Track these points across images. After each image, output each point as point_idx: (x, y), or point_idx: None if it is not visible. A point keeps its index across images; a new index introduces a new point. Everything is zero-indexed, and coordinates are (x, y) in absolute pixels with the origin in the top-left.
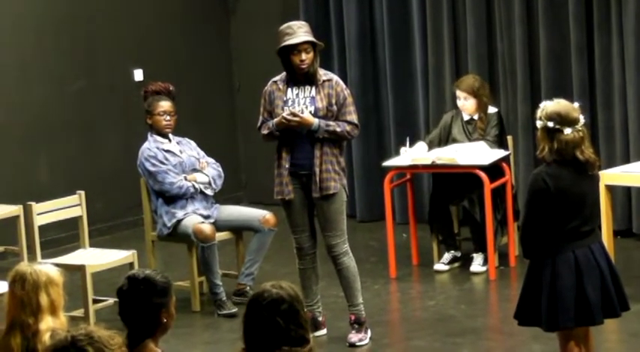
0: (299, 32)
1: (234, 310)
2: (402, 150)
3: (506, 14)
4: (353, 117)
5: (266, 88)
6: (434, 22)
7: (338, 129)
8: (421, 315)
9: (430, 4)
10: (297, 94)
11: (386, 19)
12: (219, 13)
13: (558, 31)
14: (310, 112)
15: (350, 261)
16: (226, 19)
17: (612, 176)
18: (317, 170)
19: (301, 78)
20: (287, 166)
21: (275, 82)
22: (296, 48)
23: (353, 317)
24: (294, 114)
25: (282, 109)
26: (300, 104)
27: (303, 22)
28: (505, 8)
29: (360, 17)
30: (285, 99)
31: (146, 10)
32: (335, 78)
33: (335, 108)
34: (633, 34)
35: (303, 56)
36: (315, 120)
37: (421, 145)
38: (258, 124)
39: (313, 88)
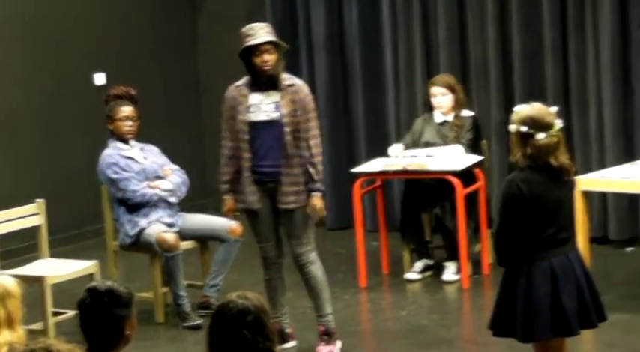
0: (261, 33)
1: (199, 321)
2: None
3: (479, 16)
4: (317, 131)
5: (228, 92)
6: (405, 24)
7: (320, 166)
8: (393, 326)
9: (401, 5)
10: (262, 100)
11: (355, 21)
12: (184, 15)
13: (532, 33)
14: (274, 119)
15: (317, 271)
16: (192, 21)
17: (588, 181)
18: (285, 180)
19: (264, 82)
20: (248, 175)
21: (237, 86)
22: (258, 49)
23: (322, 329)
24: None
25: (246, 116)
26: (264, 110)
27: (265, 24)
28: (478, 10)
29: (328, 19)
30: (248, 104)
31: (109, 12)
32: (299, 82)
33: (299, 114)
34: (608, 36)
35: (266, 57)
36: (318, 192)
37: (399, 146)
38: (223, 142)
39: (277, 93)
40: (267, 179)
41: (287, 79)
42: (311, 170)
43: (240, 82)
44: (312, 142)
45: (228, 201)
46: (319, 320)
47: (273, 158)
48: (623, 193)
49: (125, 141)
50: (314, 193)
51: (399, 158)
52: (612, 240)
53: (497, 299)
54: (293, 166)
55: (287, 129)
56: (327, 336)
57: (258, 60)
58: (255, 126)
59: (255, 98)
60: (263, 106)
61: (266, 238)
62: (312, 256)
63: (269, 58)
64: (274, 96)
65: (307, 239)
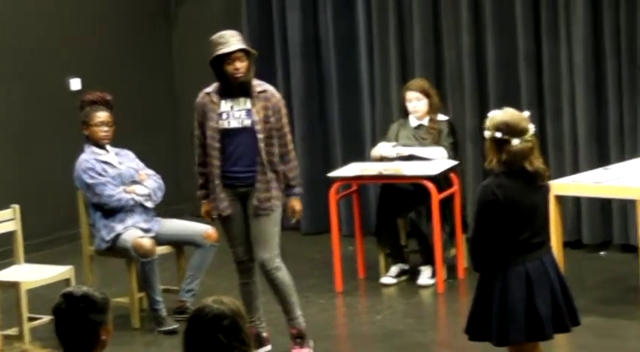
0: (232, 41)
1: (175, 326)
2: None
3: (453, 23)
4: (290, 136)
5: (198, 99)
6: (380, 30)
7: (297, 171)
8: (368, 330)
9: (376, 12)
10: (232, 107)
11: (331, 28)
12: (160, 21)
13: (506, 39)
14: (247, 126)
15: (285, 276)
16: (167, 27)
17: (562, 186)
18: (260, 186)
19: (235, 89)
20: (218, 182)
21: (208, 93)
22: (230, 56)
23: (295, 331)
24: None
25: (217, 123)
26: (236, 117)
27: (235, 31)
28: (452, 16)
29: (304, 26)
30: (219, 112)
31: (84, 17)
32: (270, 89)
33: (272, 120)
34: (581, 42)
35: (238, 65)
36: (297, 195)
37: (384, 144)
38: (196, 143)
39: (248, 100)
40: (239, 184)
41: (258, 85)
42: (289, 174)
43: (210, 89)
44: (288, 147)
45: (205, 205)
46: (290, 323)
47: (245, 164)
48: (597, 198)
49: (101, 147)
50: (293, 196)
51: (391, 151)
52: (586, 244)
53: (473, 304)
54: (267, 172)
55: (260, 135)
56: (300, 338)
57: (230, 68)
58: (227, 133)
59: (226, 105)
60: (235, 113)
61: (239, 242)
62: (279, 261)
63: (241, 66)
64: (246, 103)
65: (275, 244)
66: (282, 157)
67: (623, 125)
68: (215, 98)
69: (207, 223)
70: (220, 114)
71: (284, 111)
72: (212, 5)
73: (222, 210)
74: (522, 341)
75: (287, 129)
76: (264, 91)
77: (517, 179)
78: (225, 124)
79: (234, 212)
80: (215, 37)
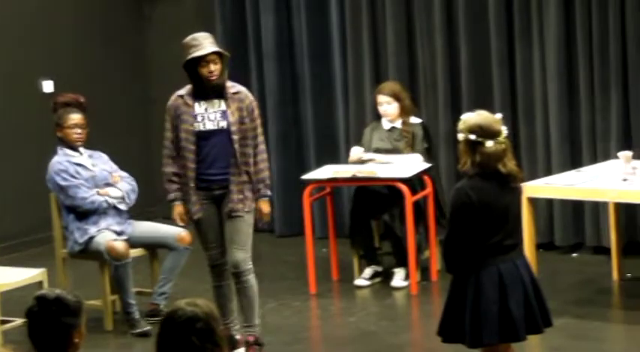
0: (205, 43)
1: (148, 328)
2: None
3: (426, 25)
4: (262, 139)
5: (170, 102)
6: (353, 32)
7: (268, 173)
8: (342, 332)
9: (349, 14)
10: (206, 109)
11: (304, 30)
12: (133, 22)
13: (479, 41)
14: (222, 127)
15: (254, 280)
16: (141, 29)
17: (534, 188)
18: (234, 188)
19: (209, 91)
20: (193, 185)
21: (181, 96)
22: (204, 59)
23: (252, 339)
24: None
25: (192, 125)
26: (211, 119)
27: (208, 34)
28: (425, 19)
29: (277, 27)
30: (194, 114)
31: (56, 19)
32: (243, 90)
33: (247, 121)
34: (554, 45)
35: (212, 67)
36: (267, 197)
37: (358, 149)
38: (165, 143)
39: (222, 102)
40: (215, 186)
41: (231, 86)
42: (260, 176)
43: (182, 91)
44: (260, 148)
45: (177, 207)
46: (249, 331)
47: (220, 166)
48: (569, 200)
49: (74, 149)
50: (263, 198)
51: (361, 156)
52: (558, 246)
53: (446, 306)
54: (241, 174)
55: (235, 137)
56: (259, 346)
57: (204, 70)
58: (203, 136)
59: (200, 107)
60: (210, 115)
61: (214, 246)
62: (251, 264)
63: (215, 68)
64: (220, 105)
65: (249, 246)
66: (254, 159)
67: (596, 128)
68: (189, 100)
69: (179, 226)
70: (195, 117)
71: (257, 112)
72: (185, 7)
73: (194, 213)
74: (495, 343)
75: (260, 130)
76: (237, 93)
77: (491, 181)
78: (200, 126)
79: (209, 215)
80: (188, 39)
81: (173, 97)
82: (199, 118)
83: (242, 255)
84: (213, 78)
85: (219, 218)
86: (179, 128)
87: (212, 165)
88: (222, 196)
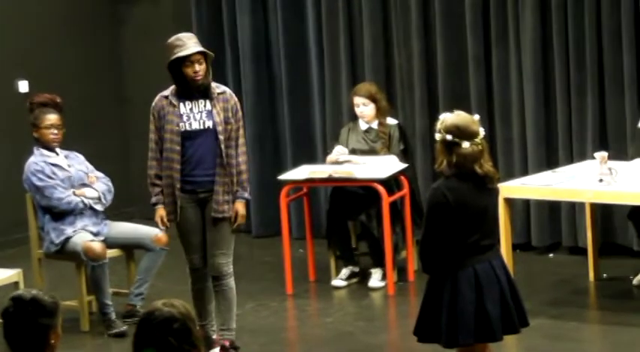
0: (189, 43)
1: (124, 329)
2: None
3: (403, 26)
4: (244, 140)
5: (154, 103)
6: (330, 33)
7: (247, 175)
8: (319, 333)
9: (326, 15)
10: (191, 109)
11: (281, 31)
12: (108, 23)
13: (456, 43)
14: (208, 127)
15: (233, 284)
16: (116, 29)
17: (511, 189)
18: (219, 189)
19: (194, 91)
20: (179, 186)
21: (165, 96)
22: (189, 59)
23: (228, 343)
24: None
25: (178, 125)
26: (197, 119)
27: (191, 34)
28: (402, 20)
29: (254, 28)
30: (179, 114)
31: (32, 19)
32: (228, 90)
33: (232, 121)
34: (530, 47)
35: (197, 67)
36: (244, 200)
37: (342, 148)
38: (150, 145)
39: (208, 102)
40: (200, 189)
41: (216, 87)
42: (241, 177)
43: (167, 92)
44: (241, 150)
45: (160, 210)
46: (226, 334)
47: (205, 167)
48: (546, 200)
49: (50, 149)
50: (240, 200)
51: (341, 156)
52: (535, 247)
53: (422, 306)
54: (227, 175)
55: (222, 137)
56: (234, 349)
57: (189, 70)
58: (189, 136)
59: (185, 108)
60: (195, 115)
61: (196, 249)
62: (232, 268)
63: (200, 68)
64: (205, 105)
65: (230, 250)
66: (236, 159)
67: (572, 128)
68: (174, 100)
69: (161, 229)
70: (180, 116)
71: (240, 113)
72: (161, 7)
73: (177, 216)
74: (472, 343)
75: (242, 131)
76: (222, 93)
77: (467, 182)
78: (186, 126)
79: (192, 219)
80: (172, 39)
81: (157, 98)
82: (185, 118)
83: (224, 259)
84: (199, 78)
85: (202, 221)
86: (164, 129)
87: (197, 166)
88: (206, 199)
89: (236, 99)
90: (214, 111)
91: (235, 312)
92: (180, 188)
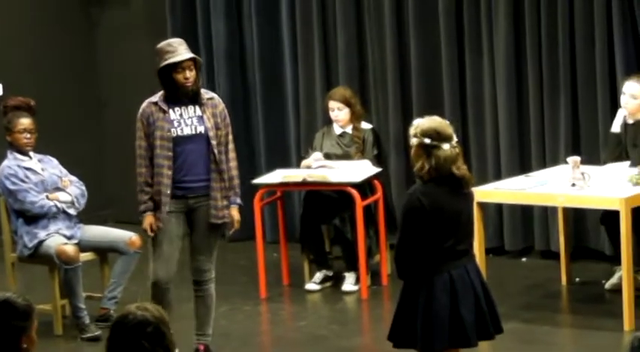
0: (180, 49)
1: (98, 333)
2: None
3: (377, 30)
4: (233, 146)
5: (142, 110)
6: (304, 39)
7: (238, 180)
8: (292, 336)
9: (300, 21)
10: (181, 114)
11: (255, 36)
12: (83, 26)
13: (429, 46)
14: (200, 132)
15: (214, 290)
16: (90, 32)
17: (484, 193)
18: (216, 194)
19: (183, 97)
20: (168, 192)
21: (154, 103)
22: (180, 65)
23: (203, 348)
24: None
25: (169, 131)
26: (188, 124)
27: (181, 39)
28: (376, 23)
29: (228, 33)
30: (170, 119)
31: (5, 22)
32: (216, 96)
33: (222, 127)
34: (503, 51)
35: (188, 73)
36: (237, 205)
37: (318, 154)
38: (137, 153)
39: (197, 107)
40: (191, 195)
41: (205, 93)
42: (233, 182)
43: (154, 98)
44: (232, 155)
45: (149, 217)
46: (202, 339)
47: (196, 173)
48: (518, 205)
49: (24, 153)
50: (234, 205)
51: (315, 163)
52: (508, 251)
53: (397, 311)
54: (222, 180)
55: (214, 142)
56: None
57: (180, 76)
58: (180, 141)
59: (175, 113)
60: (186, 120)
61: (165, 260)
62: (214, 274)
63: (191, 75)
64: (195, 111)
65: (214, 257)
66: (227, 165)
67: (544, 133)
68: (164, 106)
69: (140, 235)
70: (171, 122)
71: (228, 119)
72: (135, 12)
73: (165, 223)
74: (446, 348)
75: (231, 137)
76: (211, 98)
77: (444, 186)
78: (178, 131)
79: (172, 227)
80: (162, 45)
81: (145, 105)
82: (176, 124)
83: (208, 265)
84: (189, 84)
85: (182, 231)
86: (154, 135)
87: (189, 172)
88: (195, 205)
89: (224, 105)
90: (205, 117)
91: (213, 318)
92: (171, 194)
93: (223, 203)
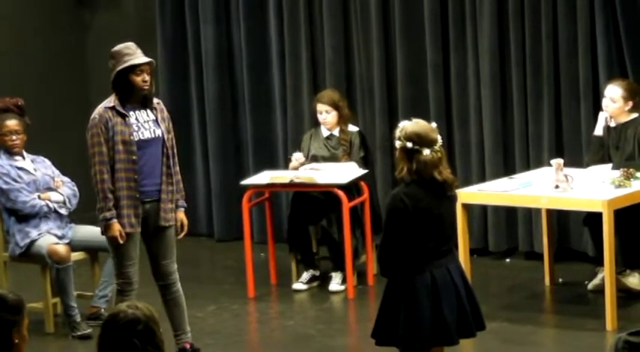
0: (138, 52)
1: (89, 331)
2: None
3: (363, 34)
4: (176, 151)
5: (98, 115)
6: (291, 42)
7: (182, 184)
8: (279, 335)
9: (288, 24)
10: (137, 118)
11: (243, 39)
12: (73, 28)
13: (415, 51)
14: (158, 136)
15: (181, 289)
16: (81, 34)
17: (468, 195)
18: (165, 197)
19: (137, 100)
20: (137, 196)
21: (110, 108)
22: (139, 68)
23: (188, 345)
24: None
25: (132, 135)
26: (147, 128)
27: (135, 44)
28: (362, 28)
29: (217, 36)
30: (130, 123)
31: None
32: (161, 102)
33: (170, 130)
34: (488, 54)
35: (146, 77)
36: (181, 209)
37: (298, 154)
38: (97, 160)
39: (150, 112)
40: (147, 198)
41: (153, 97)
42: (179, 186)
43: (110, 103)
44: (176, 159)
45: (115, 224)
46: (184, 338)
47: (154, 176)
48: (502, 206)
49: (16, 153)
50: (181, 208)
51: (299, 165)
52: (492, 252)
53: (380, 309)
54: (170, 184)
55: (168, 144)
56: (196, 350)
57: (139, 78)
58: (141, 145)
59: (132, 117)
60: (144, 124)
61: (134, 262)
62: (178, 274)
63: (148, 78)
64: (148, 115)
65: (175, 257)
66: (174, 169)
67: (528, 135)
68: (121, 110)
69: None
70: (131, 126)
71: (171, 124)
72: (125, 15)
73: (131, 226)
74: (428, 347)
75: (174, 141)
76: (159, 103)
77: (426, 188)
78: (140, 135)
79: (137, 231)
80: (120, 47)
81: (100, 110)
82: (135, 127)
83: (173, 266)
84: (147, 87)
85: (144, 231)
86: (114, 140)
87: (148, 176)
88: (151, 209)
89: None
90: (159, 120)
91: (186, 314)
92: (131, 199)
93: (170, 206)
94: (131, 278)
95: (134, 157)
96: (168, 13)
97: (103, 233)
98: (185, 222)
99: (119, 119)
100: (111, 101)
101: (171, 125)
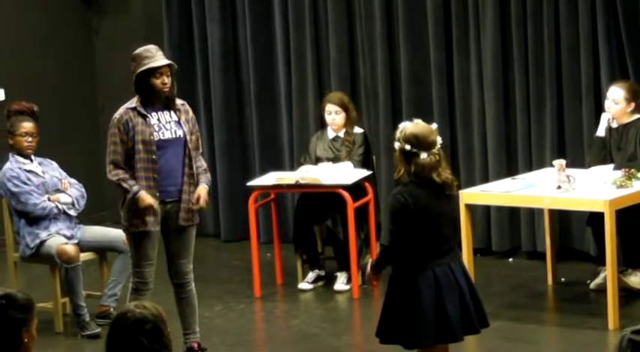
0: (158, 55)
1: (98, 330)
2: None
3: (368, 37)
4: (201, 151)
5: (119, 116)
6: (297, 43)
7: (209, 174)
8: (285, 334)
9: (293, 26)
10: (158, 119)
11: (250, 41)
12: (82, 33)
13: (419, 53)
14: (179, 136)
15: (194, 288)
16: (90, 39)
17: (472, 195)
18: (186, 197)
19: (158, 102)
20: (157, 195)
21: (132, 108)
22: (158, 71)
23: (196, 345)
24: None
25: (152, 135)
26: (168, 128)
27: (157, 46)
28: (367, 31)
29: (223, 38)
30: (151, 124)
31: (8, 29)
32: (186, 103)
33: (194, 131)
34: (491, 56)
35: (166, 79)
36: (205, 187)
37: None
38: (110, 159)
39: (172, 113)
40: (168, 199)
41: (177, 99)
42: (207, 175)
43: (132, 104)
44: (202, 161)
45: (144, 194)
46: (193, 338)
47: (174, 176)
48: (505, 206)
49: (25, 156)
50: (203, 184)
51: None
52: (495, 251)
53: (383, 307)
54: (192, 185)
55: (191, 146)
56: (203, 351)
57: (158, 81)
58: (161, 145)
59: (153, 118)
60: (165, 125)
61: (151, 263)
62: (193, 275)
63: (168, 81)
64: (171, 116)
65: (192, 257)
66: (196, 170)
67: (531, 136)
68: (142, 111)
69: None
70: (152, 126)
71: (197, 125)
72: (133, 18)
73: (152, 225)
74: (432, 344)
75: (200, 142)
76: (183, 104)
77: (425, 188)
78: (160, 136)
79: (157, 231)
80: (140, 51)
81: (122, 111)
82: (156, 128)
83: (190, 266)
84: (167, 89)
85: (163, 231)
86: (135, 140)
87: (168, 176)
88: (170, 211)
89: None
90: (182, 121)
91: (197, 315)
92: (157, 198)
93: (192, 206)
94: (147, 278)
95: (154, 157)
96: (175, 15)
97: (125, 229)
98: (203, 195)
99: (140, 119)
100: (133, 102)
101: (196, 127)
